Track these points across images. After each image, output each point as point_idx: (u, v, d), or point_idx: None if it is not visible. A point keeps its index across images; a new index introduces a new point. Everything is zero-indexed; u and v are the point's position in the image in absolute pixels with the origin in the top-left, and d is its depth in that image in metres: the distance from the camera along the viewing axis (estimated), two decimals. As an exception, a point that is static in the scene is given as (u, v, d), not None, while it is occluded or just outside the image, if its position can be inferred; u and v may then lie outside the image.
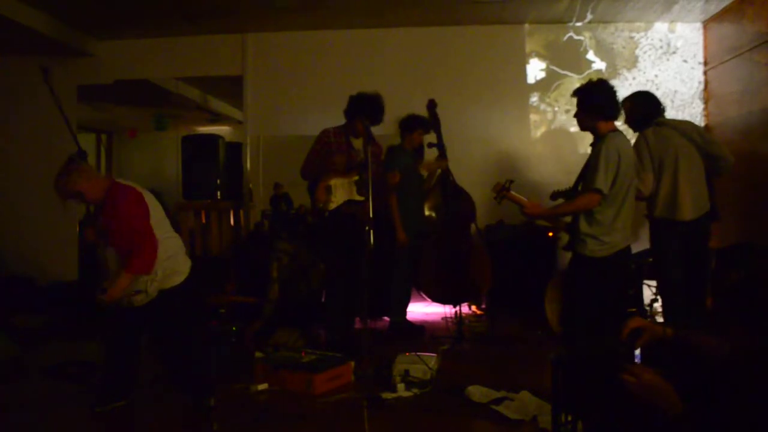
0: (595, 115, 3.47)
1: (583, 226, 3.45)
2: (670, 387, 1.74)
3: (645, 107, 4.26)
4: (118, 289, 3.21)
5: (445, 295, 5.24)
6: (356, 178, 4.48)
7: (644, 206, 4.25)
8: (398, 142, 5.36)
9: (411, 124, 5.26)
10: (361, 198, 4.18)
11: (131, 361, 3.55)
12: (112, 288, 3.20)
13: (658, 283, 4.55)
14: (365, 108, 4.51)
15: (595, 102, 3.46)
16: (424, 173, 5.39)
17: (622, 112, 4.23)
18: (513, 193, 3.73)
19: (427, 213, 5.41)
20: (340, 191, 4.52)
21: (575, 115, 3.60)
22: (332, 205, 4.48)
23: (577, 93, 3.52)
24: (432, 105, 5.23)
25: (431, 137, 5.33)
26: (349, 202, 4.52)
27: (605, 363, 1.99)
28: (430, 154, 5.43)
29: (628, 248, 3.53)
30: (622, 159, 3.36)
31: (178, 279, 3.46)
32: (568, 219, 3.62)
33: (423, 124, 5.26)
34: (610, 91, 3.48)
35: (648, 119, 4.22)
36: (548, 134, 6.61)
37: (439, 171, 5.36)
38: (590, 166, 3.43)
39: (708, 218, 4.15)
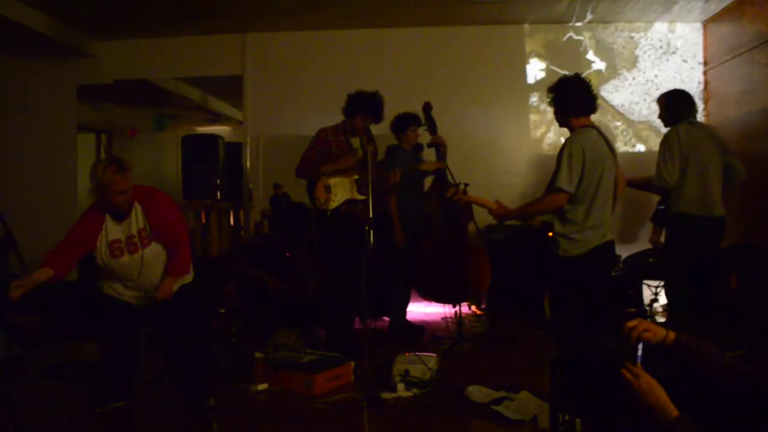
0: (566, 112, 3.44)
1: (557, 226, 3.42)
2: (665, 394, 1.74)
3: (679, 106, 4.29)
4: (168, 288, 3.41)
5: (444, 295, 5.23)
6: (356, 177, 4.47)
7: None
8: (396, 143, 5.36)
9: (402, 124, 5.24)
10: (362, 197, 4.17)
11: (131, 362, 3.56)
12: (163, 288, 3.39)
13: (664, 278, 4.52)
14: (365, 105, 4.50)
15: (565, 98, 3.43)
16: (430, 168, 5.36)
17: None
18: (471, 195, 3.71)
19: (426, 212, 5.40)
20: (340, 190, 4.51)
21: (554, 113, 3.57)
22: (333, 204, 4.47)
23: (550, 91, 3.50)
24: (427, 107, 5.18)
25: (429, 138, 5.31)
26: (349, 202, 4.52)
27: (607, 362, 1.99)
28: (430, 153, 5.41)
29: (607, 244, 3.42)
30: (587, 156, 3.30)
31: (189, 278, 3.59)
32: (550, 218, 3.58)
33: (412, 120, 5.22)
34: (581, 86, 3.43)
35: (681, 118, 4.24)
36: (548, 134, 6.63)
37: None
38: (556, 165, 3.40)
39: (724, 219, 4.19)
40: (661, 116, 4.40)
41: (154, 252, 3.41)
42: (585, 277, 3.38)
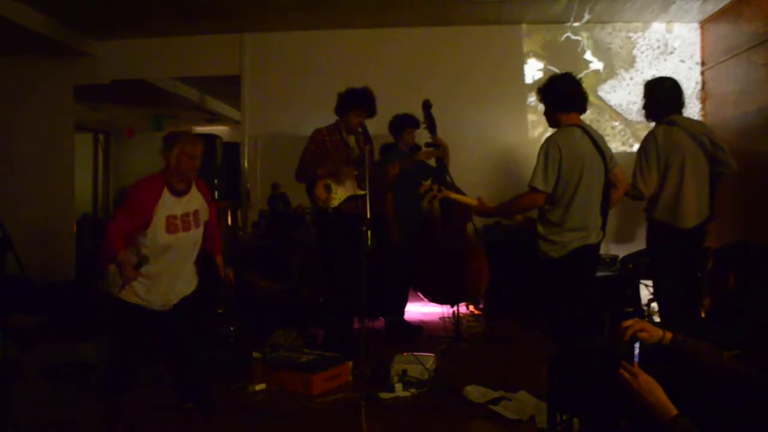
0: (552, 109, 3.43)
1: (539, 227, 3.39)
2: (663, 393, 1.75)
3: (661, 93, 4.05)
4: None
5: (442, 295, 5.23)
6: (355, 173, 4.46)
7: (639, 207, 4.22)
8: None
9: (398, 125, 5.24)
10: (363, 192, 4.16)
11: (139, 363, 3.53)
12: (222, 267, 3.64)
13: (653, 284, 4.52)
14: (356, 101, 4.49)
15: (550, 94, 3.42)
16: (428, 157, 5.34)
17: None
18: (449, 192, 3.67)
19: (424, 212, 5.38)
20: (340, 188, 4.50)
21: (544, 113, 3.53)
22: (335, 203, 4.46)
23: (538, 91, 3.49)
24: (427, 106, 5.17)
25: (428, 137, 5.30)
26: (351, 199, 4.51)
27: (604, 361, 1.99)
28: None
29: (588, 247, 3.35)
30: (564, 155, 3.25)
31: (195, 283, 3.52)
32: (535, 214, 3.52)
33: (409, 121, 5.22)
34: (570, 82, 3.40)
35: (664, 108, 4.02)
36: (546, 134, 6.62)
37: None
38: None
39: (706, 223, 4.04)
40: (644, 106, 4.17)
41: (198, 236, 3.39)
42: (564, 280, 3.35)
